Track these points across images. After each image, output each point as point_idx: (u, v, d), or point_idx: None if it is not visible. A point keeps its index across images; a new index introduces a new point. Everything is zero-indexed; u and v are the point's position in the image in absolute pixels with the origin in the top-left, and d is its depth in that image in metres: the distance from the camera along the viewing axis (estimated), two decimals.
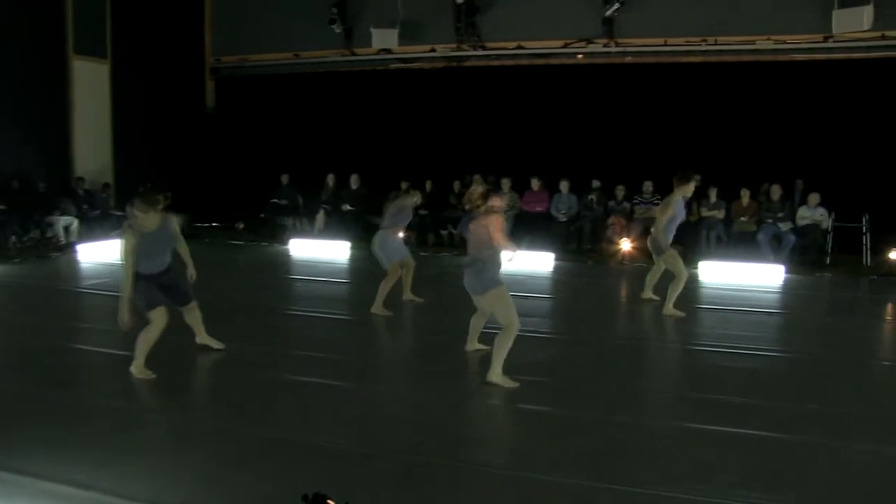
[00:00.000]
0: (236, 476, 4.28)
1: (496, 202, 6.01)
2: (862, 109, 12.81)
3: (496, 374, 5.97)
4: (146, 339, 6.05)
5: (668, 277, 8.83)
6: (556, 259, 11.99)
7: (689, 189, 8.71)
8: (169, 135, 15.92)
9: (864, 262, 12.17)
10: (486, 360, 6.39)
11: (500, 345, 5.97)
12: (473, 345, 6.84)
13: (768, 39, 13.40)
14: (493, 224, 5.83)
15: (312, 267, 11.92)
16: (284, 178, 15.53)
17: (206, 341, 6.80)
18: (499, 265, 5.96)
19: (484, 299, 6.04)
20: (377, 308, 8.55)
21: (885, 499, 4.08)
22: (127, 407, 5.37)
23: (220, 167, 16.78)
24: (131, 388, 5.80)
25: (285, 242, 14.10)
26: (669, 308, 8.68)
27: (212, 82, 17.58)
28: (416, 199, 9.23)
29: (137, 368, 6.05)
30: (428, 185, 14.66)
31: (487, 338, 6.46)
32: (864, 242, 12.29)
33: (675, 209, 8.50)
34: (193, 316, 6.70)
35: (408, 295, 9.09)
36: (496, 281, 5.93)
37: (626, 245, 12.22)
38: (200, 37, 17.34)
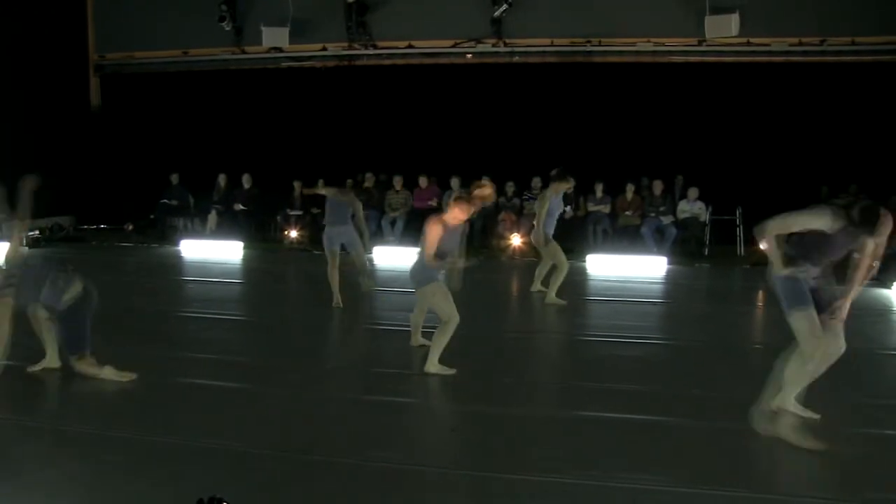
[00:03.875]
0: (128, 484, 4.18)
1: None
2: (734, 109, 13.58)
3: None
4: None
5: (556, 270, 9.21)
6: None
7: (563, 188, 9.25)
8: (51, 134, 15.28)
9: (738, 252, 12.89)
10: (380, 358, 6.52)
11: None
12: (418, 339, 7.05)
13: (648, 42, 14.00)
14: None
15: (204, 268, 11.75)
16: (174, 178, 15.19)
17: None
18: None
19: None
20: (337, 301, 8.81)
21: (763, 472, 4.40)
22: (6, 419, 5.15)
23: (108, 167, 16.26)
24: (10, 400, 5.56)
25: (176, 243, 13.83)
26: (551, 297, 9.11)
27: (96, 80, 16.96)
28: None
29: None
30: (320, 184, 14.63)
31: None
32: (738, 234, 13.03)
33: (550, 204, 9.04)
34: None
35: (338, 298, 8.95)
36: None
37: (516, 240, 12.53)
38: (83, 32, 16.68)
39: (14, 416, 5.17)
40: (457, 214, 6.19)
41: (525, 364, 6.95)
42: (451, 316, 6.26)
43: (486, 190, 6.46)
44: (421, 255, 6.26)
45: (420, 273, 6.31)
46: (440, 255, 6.18)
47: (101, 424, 5.04)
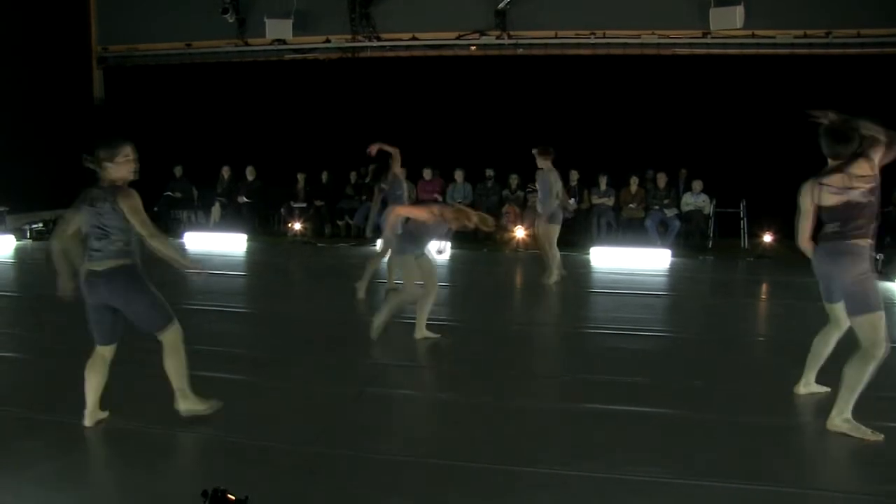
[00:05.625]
0: (131, 476, 4.20)
1: None
2: (738, 102, 13.55)
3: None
4: None
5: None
6: (452, 247, 12.15)
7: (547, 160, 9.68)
8: (54, 127, 15.29)
9: (742, 245, 12.89)
10: (383, 350, 6.54)
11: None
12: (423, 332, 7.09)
13: (653, 34, 13.97)
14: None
15: (208, 260, 11.75)
16: (178, 171, 15.21)
17: None
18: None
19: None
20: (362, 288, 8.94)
21: (761, 465, 4.38)
22: (9, 413, 5.12)
23: None
24: (11, 394, 5.56)
25: (180, 236, 13.85)
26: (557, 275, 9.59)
27: (99, 72, 16.98)
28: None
29: None
30: (324, 177, 14.68)
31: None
32: (742, 227, 13.03)
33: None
34: None
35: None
36: None
37: (520, 233, 12.51)
38: (86, 24, 16.68)
39: (19, 410, 5.18)
40: (447, 215, 6.70)
41: (528, 356, 6.97)
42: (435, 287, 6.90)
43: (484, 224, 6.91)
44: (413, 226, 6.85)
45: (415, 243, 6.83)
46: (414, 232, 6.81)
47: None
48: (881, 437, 4.62)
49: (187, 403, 4.76)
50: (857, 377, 4.63)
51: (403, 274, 6.95)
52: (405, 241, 6.86)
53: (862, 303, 4.68)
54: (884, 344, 4.61)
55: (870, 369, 4.61)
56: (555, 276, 9.78)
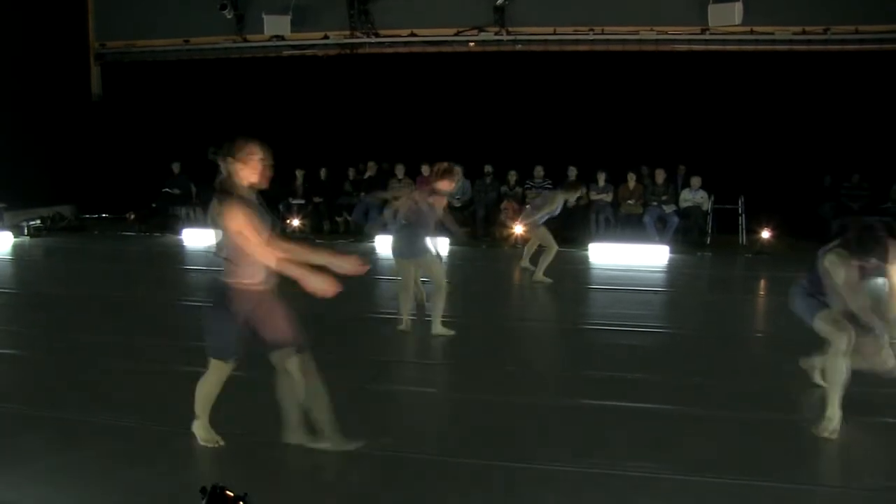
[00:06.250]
0: (130, 473, 4.19)
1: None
2: (737, 98, 13.56)
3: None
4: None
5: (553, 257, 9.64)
6: (451, 244, 12.15)
7: (573, 195, 10.15)
8: (52, 123, 15.28)
9: (740, 241, 12.89)
10: (383, 347, 6.55)
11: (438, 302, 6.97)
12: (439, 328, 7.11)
13: (651, 30, 13.97)
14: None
15: (206, 257, 11.73)
16: (176, 167, 15.19)
17: None
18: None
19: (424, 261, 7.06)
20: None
21: (760, 460, 4.39)
22: (8, 410, 5.09)
23: (109, 156, 16.25)
24: (10, 391, 5.52)
25: (178, 233, 13.82)
26: (539, 276, 9.68)
27: (97, 68, 16.95)
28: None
29: None
30: (323, 173, 14.67)
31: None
32: (740, 223, 13.03)
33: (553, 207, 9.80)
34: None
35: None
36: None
37: (518, 229, 12.49)
38: (83, 20, 16.66)
39: (19, 407, 5.17)
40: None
41: (527, 352, 6.97)
42: (443, 281, 6.98)
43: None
44: (411, 227, 7.02)
45: (414, 245, 6.93)
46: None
47: (105, 414, 5.03)
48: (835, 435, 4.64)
49: (197, 430, 4.56)
50: (831, 372, 4.71)
51: (437, 271, 7.06)
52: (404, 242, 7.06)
53: (803, 314, 4.99)
54: (841, 335, 4.67)
55: (839, 363, 4.66)
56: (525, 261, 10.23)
